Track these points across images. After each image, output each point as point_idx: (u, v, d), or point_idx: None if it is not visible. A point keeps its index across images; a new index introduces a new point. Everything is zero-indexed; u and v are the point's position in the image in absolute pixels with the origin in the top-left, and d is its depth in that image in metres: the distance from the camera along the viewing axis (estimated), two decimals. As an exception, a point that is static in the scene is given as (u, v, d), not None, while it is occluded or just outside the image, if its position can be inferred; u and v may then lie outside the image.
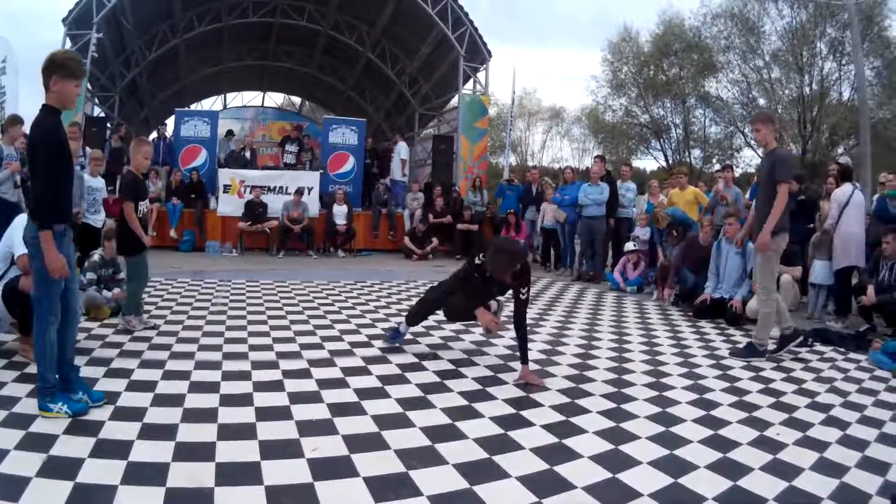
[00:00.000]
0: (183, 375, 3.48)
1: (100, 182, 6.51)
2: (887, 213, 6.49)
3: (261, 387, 3.35)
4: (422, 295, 4.76)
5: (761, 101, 21.82)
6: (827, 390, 3.85)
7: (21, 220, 3.73)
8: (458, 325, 5.16)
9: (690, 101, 24.06)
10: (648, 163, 29.61)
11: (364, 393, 3.34)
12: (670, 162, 24.62)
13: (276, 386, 3.39)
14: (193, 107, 18.84)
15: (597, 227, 8.47)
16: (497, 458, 2.60)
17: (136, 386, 3.26)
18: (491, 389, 3.52)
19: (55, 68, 2.76)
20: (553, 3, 49.40)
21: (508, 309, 4.34)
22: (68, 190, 2.91)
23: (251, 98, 22.17)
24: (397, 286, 7.34)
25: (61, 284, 2.85)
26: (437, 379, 3.68)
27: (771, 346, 4.72)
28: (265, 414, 2.96)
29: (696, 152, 24.90)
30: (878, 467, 2.70)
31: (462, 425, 2.95)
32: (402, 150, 12.54)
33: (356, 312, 5.61)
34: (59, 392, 2.82)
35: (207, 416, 2.89)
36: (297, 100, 23.51)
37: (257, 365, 3.76)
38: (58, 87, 2.77)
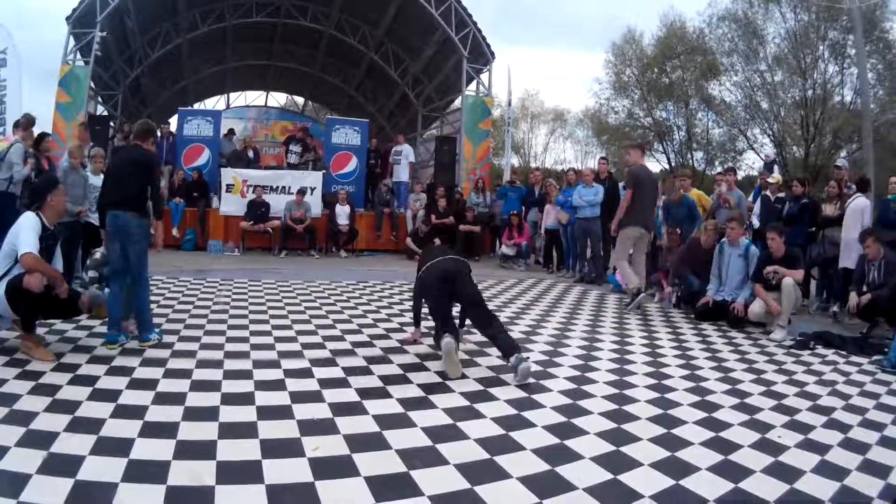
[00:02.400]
0: (184, 374, 3.49)
1: (101, 180, 6.50)
2: (888, 217, 6.46)
3: (262, 386, 3.36)
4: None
5: (764, 105, 21.80)
6: (829, 393, 3.85)
7: (28, 221, 3.71)
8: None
9: (693, 103, 24.05)
10: (651, 165, 29.64)
11: (365, 392, 3.35)
12: (673, 164, 24.59)
13: (278, 385, 3.40)
14: (196, 106, 18.86)
15: (592, 228, 8.51)
16: (498, 459, 2.60)
17: (137, 384, 3.27)
18: (492, 390, 3.52)
19: (153, 133, 4.37)
20: (557, 4, 49.45)
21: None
22: None
23: (254, 98, 22.19)
24: (399, 287, 7.34)
25: None
26: (439, 379, 3.68)
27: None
28: (266, 413, 2.96)
29: (699, 155, 24.91)
30: (880, 470, 2.70)
31: (463, 425, 2.95)
32: (409, 153, 12.51)
33: (358, 312, 5.61)
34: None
35: (209, 414, 2.90)
36: (300, 100, 23.48)
37: (259, 364, 3.76)
38: (152, 143, 4.36)
